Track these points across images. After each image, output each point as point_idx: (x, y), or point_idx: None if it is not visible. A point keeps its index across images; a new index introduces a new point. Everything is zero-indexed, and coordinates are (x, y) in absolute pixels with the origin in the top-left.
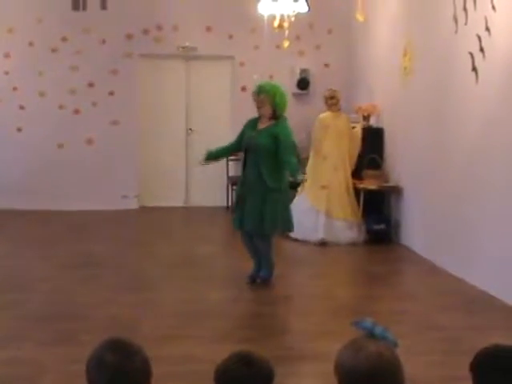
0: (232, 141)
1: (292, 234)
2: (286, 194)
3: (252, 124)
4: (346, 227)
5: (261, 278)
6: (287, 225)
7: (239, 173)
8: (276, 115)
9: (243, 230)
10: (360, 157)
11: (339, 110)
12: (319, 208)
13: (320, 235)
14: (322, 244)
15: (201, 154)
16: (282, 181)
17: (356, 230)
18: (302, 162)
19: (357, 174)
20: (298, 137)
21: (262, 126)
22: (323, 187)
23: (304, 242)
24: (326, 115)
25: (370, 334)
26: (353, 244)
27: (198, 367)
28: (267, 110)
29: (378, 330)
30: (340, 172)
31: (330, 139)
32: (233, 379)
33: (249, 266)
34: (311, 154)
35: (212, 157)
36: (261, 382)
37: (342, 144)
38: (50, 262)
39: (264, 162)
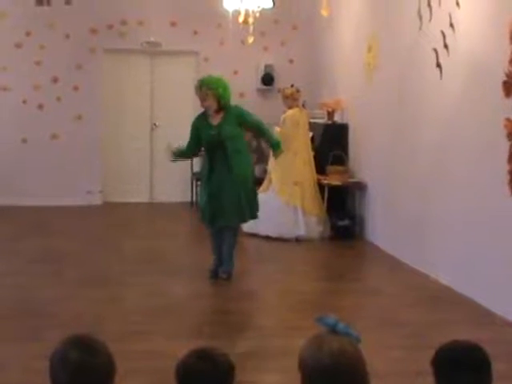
0: (187, 144)
1: (263, 232)
2: (252, 180)
3: (202, 121)
4: (317, 223)
5: (224, 272)
6: (255, 212)
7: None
8: (221, 106)
9: (216, 225)
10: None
11: (303, 105)
12: (296, 204)
13: (301, 231)
14: (303, 240)
15: (164, 149)
16: (249, 167)
17: (322, 226)
18: (265, 158)
19: (321, 169)
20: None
21: (215, 121)
22: (296, 183)
23: (276, 239)
24: (294, 112)
25: (333, 330)
26: (320, 240)
27: (162, 363)
28: (212, 103)
29: (341, 326)
30: (308, 167)
31: (300, 135)
32: (193, 375)
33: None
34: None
35: (179, 155)
36: (221, 378)
37: (308, 139)
38: (13, 257)
39: (232, 151)
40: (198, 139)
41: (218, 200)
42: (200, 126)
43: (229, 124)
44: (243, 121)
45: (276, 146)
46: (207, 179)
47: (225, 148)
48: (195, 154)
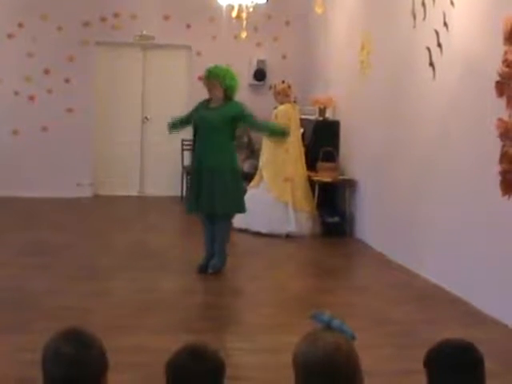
0: (186, 113)
1: (253, 227)
2: (237, 174)
3: (203, 104)
4: (307, 219)
5: (212, 267)
6: (239, 206)
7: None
8: (227, 97)
9: (202, 213)
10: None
11: (294, 101)
12: (287, 201)
13: (291, 228)
14: (293, 236)
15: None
16: (235, 159)
17: (312, 223)
18: (256, 154)
19: (312, 166)
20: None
21: (214, 104)
22: (287, 179)
23: (266, 235)
24: (286, 107)
25: (328, 327)
26: (310, 236)
27: (150, 358)
28: (219, 93)
29: (336, 323)
30: (299, 163)
31: (292, 131)
32: (183, 372)
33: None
34: (272, 146)
35: (176, 127)
36: (211, 375)
37: (299, 135)
38: (1, 249)
39: (215, 140)
40: (190, 116)
41: (198, 186)
42: (200, 107)
43: (224, 114)
44: (242, 118)
45: (282, 134)
46: (194, 163)
47: (210, 133)
48: (185, 125)
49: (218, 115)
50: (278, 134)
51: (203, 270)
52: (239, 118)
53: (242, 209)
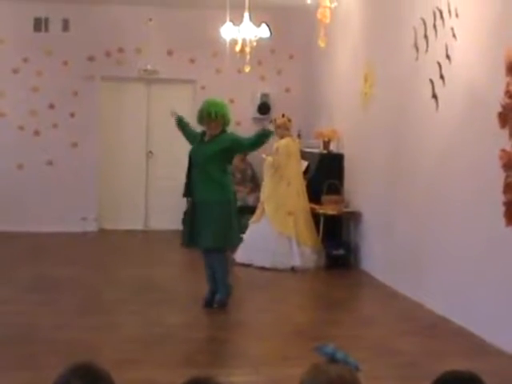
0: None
1: (257, 262)
2: (234, 205)
3: (201, 137)
4: (311, 253)
5: (217, 302)
6: (237, 238)
7: None
8: (222, 131)
9: (197, 247)
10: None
11: (299, 135)
12: (290, 235)
13: (296, 262)
14: (298, 270)
15: (171, 111)
16: (229, 192)
17: (317, 256)
18: (260, 187)
19: (316, 199)
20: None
21: (207, 138)
22: (290, 213)
23: (270, 269)
24: (288, 141)
25: (332, 359)
26: (315, 269)
27: None
28: (218, 130)
29: (340, 355)
30: (301, 197)
31: (293, 165)
32: None
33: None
34: (274, 180)
35: (182, 123)
36: None
37: (300, 169)
38: (8, 284)
39: (211, 173)
40: (193, 137)
41: (192, 221)
42: (197, 138)
43: (215, 146)
44: (237, 146)
45: (267, 134)
46: (189, 200)
47: (205, 166)
48: (190, 136)
49: (208, 149)
50: (266, 136)
51: (208, 304)
52: (235, 147)
53: (231, 242)
